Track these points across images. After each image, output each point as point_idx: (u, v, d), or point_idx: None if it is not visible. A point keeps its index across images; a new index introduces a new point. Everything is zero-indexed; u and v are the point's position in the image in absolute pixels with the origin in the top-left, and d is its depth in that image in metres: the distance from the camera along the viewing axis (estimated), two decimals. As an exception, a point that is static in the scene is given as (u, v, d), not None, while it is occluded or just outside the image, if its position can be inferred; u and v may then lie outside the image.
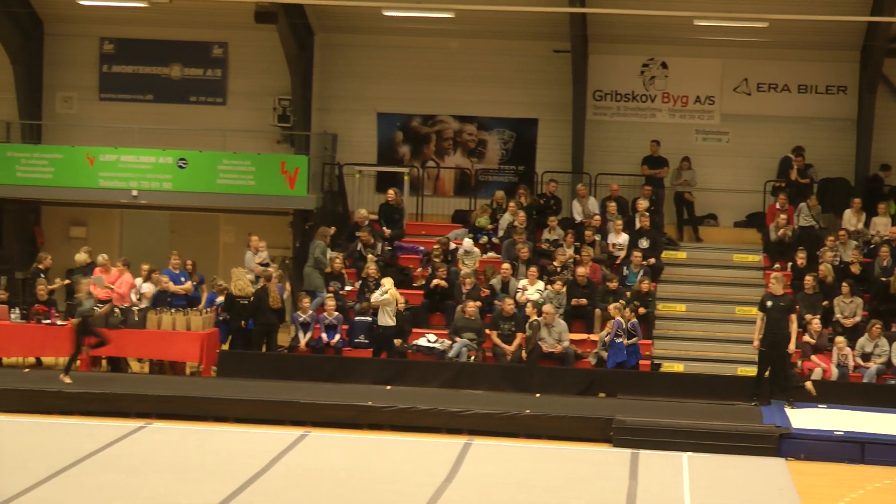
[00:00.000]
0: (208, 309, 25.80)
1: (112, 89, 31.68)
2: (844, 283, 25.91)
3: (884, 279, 26.31)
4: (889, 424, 21.55)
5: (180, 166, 29.23)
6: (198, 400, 22.31)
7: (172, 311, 25.35)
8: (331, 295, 25.86)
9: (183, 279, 26.32)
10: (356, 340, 25.56)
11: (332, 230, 28.08)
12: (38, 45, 31.46)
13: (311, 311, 25.51)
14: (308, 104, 30.91)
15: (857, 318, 25.56)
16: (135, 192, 29.28)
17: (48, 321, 25.57)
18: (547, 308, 24.96)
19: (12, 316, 25.67)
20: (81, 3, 29.53)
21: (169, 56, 31.52)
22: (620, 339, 24.74)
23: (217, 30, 31.16)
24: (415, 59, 31.17)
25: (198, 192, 29.26)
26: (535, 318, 24.83)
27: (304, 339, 25.38)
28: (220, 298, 25.92)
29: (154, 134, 30.27)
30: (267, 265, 26.98)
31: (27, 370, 25.23)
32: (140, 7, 29.43)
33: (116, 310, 25.22)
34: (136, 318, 25.27)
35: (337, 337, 25.38)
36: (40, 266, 26.97)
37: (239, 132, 30.50)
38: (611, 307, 25.03)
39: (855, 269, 26.81)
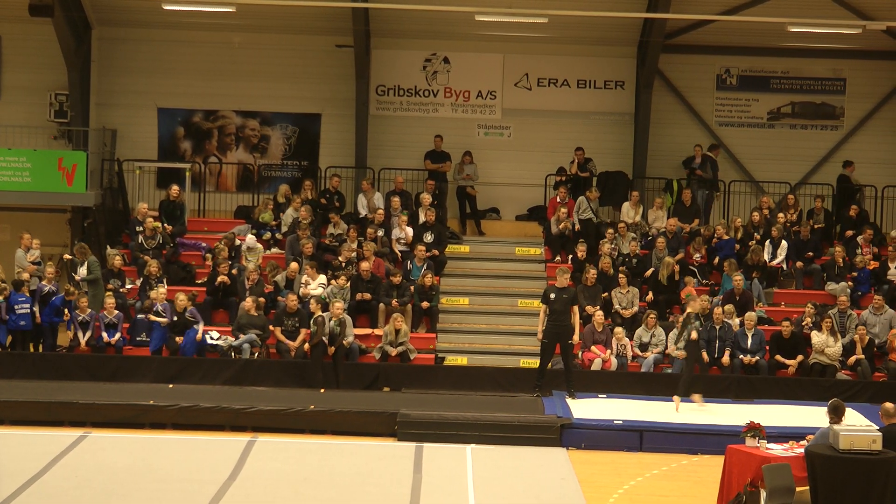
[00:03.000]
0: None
1: None
2: (621, 275, 26.43)
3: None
4: (666, 413, 22.13)
5: (-48, 162, 28.45)
6: (-27, 402, 21.72)
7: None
8: (110, 293, 25.41)
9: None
10: (137, 339, 25.16)
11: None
12: None
13: (90, 310, 25.04)
14: (86, 99, 30.28)
15: (635, 309, 26.10)
16: None
17: None
18: (336, 304, 24.89)
19: None
20: None
21: (-61, 49, 30.64)
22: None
23: (-10, 22, 30.40)
24: (196, 54, 30.79)
25: (-29, 188, 28.50)
26: (320, 313, 24.77)
27: (83, 339, 24.89)
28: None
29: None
30: (39, 264, 26.39)
31: None
32: None
33: None
34: None
35: (118, 335, 24.95)
36: None
37: (14, 127, 29.69)
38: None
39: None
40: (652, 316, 25.38)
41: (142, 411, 21.65)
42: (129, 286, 26.49)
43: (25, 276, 25.57)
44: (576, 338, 23.60)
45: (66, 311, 25.03)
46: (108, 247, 27.94)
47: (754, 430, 16.86)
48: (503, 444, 20.66)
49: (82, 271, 25.87)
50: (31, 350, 25.27)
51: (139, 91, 30.65)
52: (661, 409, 22.40)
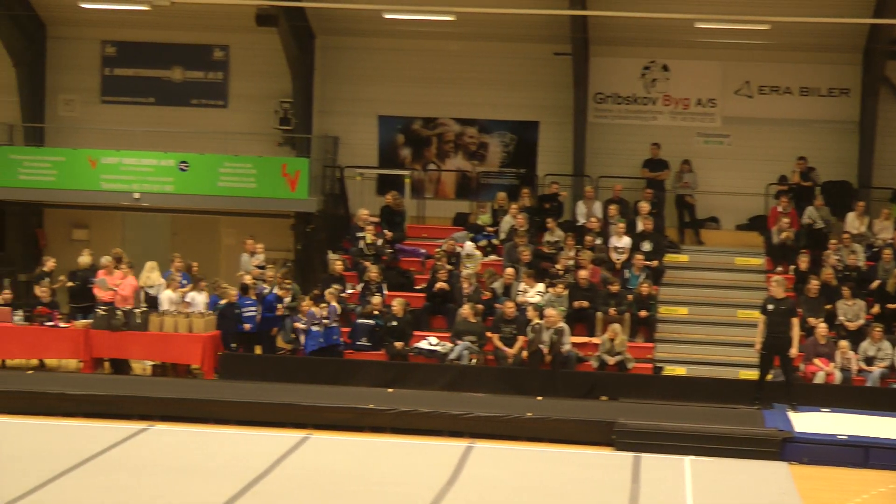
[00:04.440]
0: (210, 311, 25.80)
1: (114, 92, 31.69)
2: (846, 287, 25.87)
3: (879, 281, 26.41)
4: (892, 428, 21.47)
5: (182, 169, 29.21)
6: (199, 402, 22.28)
7: (175, 313, 25.35)
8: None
9: (184, 282, 26.27)
10: (358, 343, 25.51)
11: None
12: (41, 47, 31.48)
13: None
14: (309, 107, 30.92)
15: (861, 322, 25.53)
16: (136, 195, 29.26)
17: (51, 323, 25.58)
18: (550, 311, 24.91)
19: (15, 318, 25.66)
20: (83, 6, 29.50)
21: (170, 59, 31.53)
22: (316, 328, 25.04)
23: (218, 32, 31.16)
24: (416, 62, 31.16)
25: (199, 194, 29.27)
26: (538, 321, 24.81)
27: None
28: (224, 301, 25.85)
29: (155, 136, 30.33)
30: (263, 268, 26.95)
31: (30, 372, 25.19)
32: (142, 10, 29.36)
33: (119, 312, 25.21)
34: (139, 321, 25.25)
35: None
36: (44, 269, 26.96)
37: (240, 135, 30.47)
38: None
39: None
40: (878, 329, 24.76)
41: (361, 414, 21.90)
42: (349, 291, 26.85)
43: (248, 279, 26.13)
44: (794, 350, 23.17)
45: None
46: (329, 252, 28.35)
47: None
48: (722, 457, 20.33)
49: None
50: (257, 352, 25.81)
51: (360, 99, 31.12)
52: (888, 424, 21.76)
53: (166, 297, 25.93)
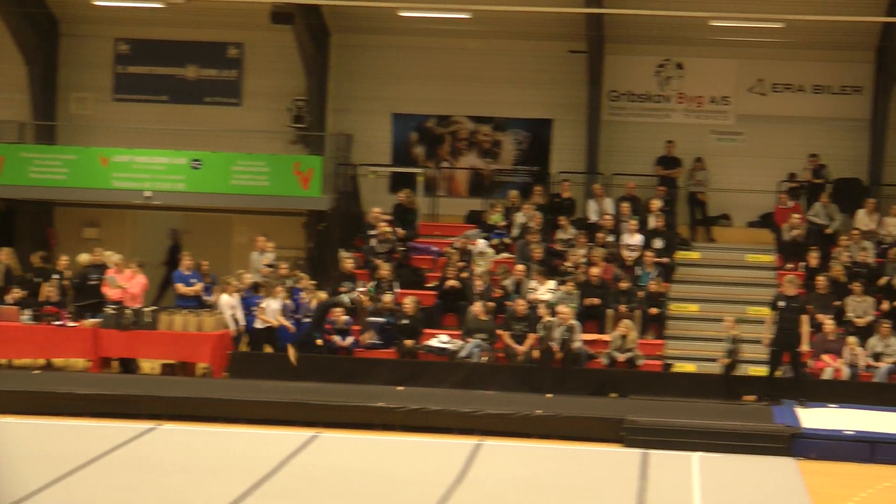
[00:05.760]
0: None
1: (127, 90, 31.76)
2: (856, 283, 25.87)
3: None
4: (900, 424, 21.59)
5: (194, 167, 29.28)
6: (209, 401, 22.30)
7: (184, 311, 25.42)
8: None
9: (194, 280, 26.32)
10: (369, 341, 25.56)
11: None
12: (54, 45, 31.53)
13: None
14: (323, 105, 30.98)
15: (869, 318, 25.53)
16: (148, 193, 29.31)
17: (59, 322, 25.61)
18: (562, 309, 24.94)
19: (23, 317, 25.69)
20: (96, 3, 29.65)
21: (184, 57, 31.59)
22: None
23: (233, 30, 31.21)
24: (430, 60, 31.19)
25: (211, 192, 29.31)
26: (549, 318, 24.85)
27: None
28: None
29: (168, 135, 30.40)
30: (274, 266, 27.01)
31: (37, 372, 25.23)
32: (156, 7, 29.55)
33: (128, 311, 25.28)
34: (148, 319, 25.30)
35: (350, 338, 25.38)
36: (57, 267, 27.02)
37: (254, 133, 30.56)
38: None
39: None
40: (886, 325, 24.77)
41: (372, 413, 21.91)
42: (360, 289, 26.89)
43: (251, 279, 26.19)
44: (804, 347, 23.23)
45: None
46: (340, 250, 28.42)
47: None
48: (731, 453, 20.34)
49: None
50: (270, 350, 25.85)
51: (374, 97, 31.18)
52: (894, 420, 21.82)
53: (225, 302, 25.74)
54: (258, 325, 25.30)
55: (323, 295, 25.85)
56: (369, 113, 31.30)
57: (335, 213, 29.92)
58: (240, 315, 25.36)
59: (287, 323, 25.17)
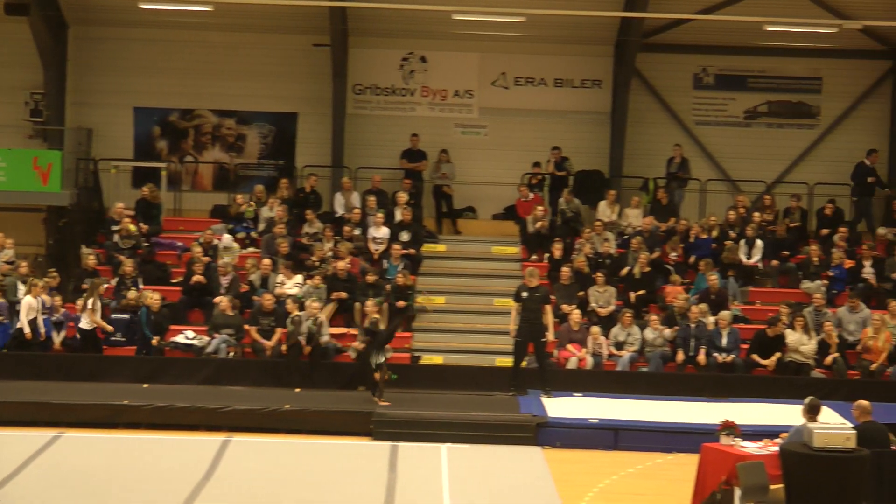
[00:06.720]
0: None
1: None
2: (598, 273, 26.42)
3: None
4: (641, 411, 22.15)
5: (-76, 161, 28.32)
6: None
7: None
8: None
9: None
10: (112, 339, 25.04)
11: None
12: None
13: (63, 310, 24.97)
14: (62, 98, 30.20)
15: (612, 308, 26.09)
16: None
17: None
18: (312, 303, 24.85)
19: None
20: None
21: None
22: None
23: (-36, 21, 30.24)
24: (173, 53, 30.72)
25: (-57, 187, 28.36)
26: (297, 313, 24.73)
27: (58, 339, 24.78)
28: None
29: None
30: (13, 263, 26.28)
31: None
32: None
33: None
34: None
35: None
36: None
37: (-11, 126, 29.68)
38: None
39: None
40: (628, 315, 25.37)
41: (117, 411, 21.56)
42: (104, 286, 26.35)
43: (-4, 276, 25.48)
44: (550, 336, 23.66)
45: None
46: (82, 246, 27.80)
47: (729, 428, 16.85)
48: (478, 443, 20.63)
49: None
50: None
51: (115, 90, 30.57)
52: (636, 407, 22.42)
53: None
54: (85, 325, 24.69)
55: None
56: (110, 107, 30.65)
57: (76, 209, 29.26)
58: (41, 319, 24.55)
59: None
